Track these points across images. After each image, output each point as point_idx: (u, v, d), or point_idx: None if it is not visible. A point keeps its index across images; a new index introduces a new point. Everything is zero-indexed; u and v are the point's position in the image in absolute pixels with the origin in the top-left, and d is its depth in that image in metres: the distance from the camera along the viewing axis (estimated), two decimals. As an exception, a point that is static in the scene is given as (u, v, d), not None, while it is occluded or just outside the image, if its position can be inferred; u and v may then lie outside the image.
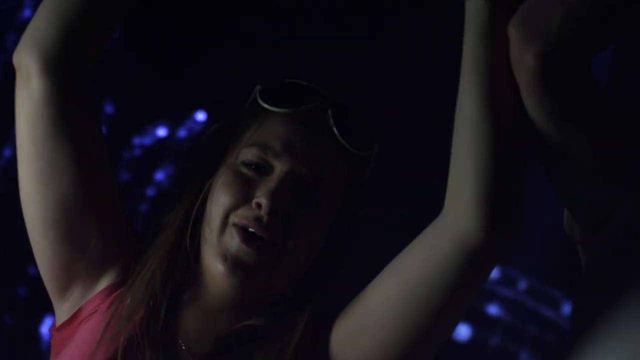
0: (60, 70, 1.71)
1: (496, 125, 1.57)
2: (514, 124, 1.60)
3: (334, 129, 1.73)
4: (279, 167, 1.71)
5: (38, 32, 1.71)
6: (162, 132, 3.81)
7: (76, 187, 1.72)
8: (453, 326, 1.68)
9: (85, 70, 1.74)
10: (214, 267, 1.69)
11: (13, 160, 3.54)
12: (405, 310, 1.62)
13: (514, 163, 1.59)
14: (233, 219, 1.69)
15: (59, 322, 1.78)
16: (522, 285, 3.74)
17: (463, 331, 3.72)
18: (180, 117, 3.81)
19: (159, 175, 3.80)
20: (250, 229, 1.68)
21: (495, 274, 3.74)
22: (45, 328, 3.61)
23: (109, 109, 3.68)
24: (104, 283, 1.75)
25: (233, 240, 1.67)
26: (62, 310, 1.77)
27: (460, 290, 1.61)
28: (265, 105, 1.75)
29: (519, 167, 1.60)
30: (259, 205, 1.68)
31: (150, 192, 3.77)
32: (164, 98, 3.78)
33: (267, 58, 3.45)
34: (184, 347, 1.70)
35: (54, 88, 1.71)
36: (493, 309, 3.74)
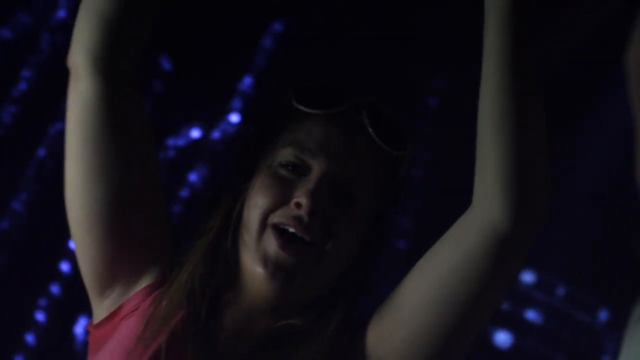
0: (107, 69, 1.71)
1: (521, 113, 1.57)
2: (538, 110, 1.59)
3: (369, 129, 1.73)
4: (316, 168, 1.70)
5: (81, 34, 1.72)
6: (195, 133, 3.81)
7: (123, 184, 1.73)
8: (485, 319, 1.68)
9: (131, 68, 1.74)
10: (254, 270, 1.69)
11: (47, 160, 3.55)
12: (438, 302, 1.62)
13: (538, 151, 1.59)
14: (272, 219, 1.69)
15: (97, 320, 1.77)
16: (560, 291, 3.71)
17: (503, 338, 3.69)
18: (214, 118, 3.80)
19: (193, 177, 3.79)
20: (291, 229, 1.68)
21: (532, 279, 3.71)
22: (79, 328, 3.61)
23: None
24: (145, 281, 1.75)
25: (271, 245, 1.67)
26: (102, 308, 1.77)
27: (491, 280, 1.61)
28: (301, 107, 1.74)
29: (544, 154, 1.59)
30: (298, 205, 1.68)
31: (184, 193, 3.77)
32: (198, 99, 3.78)
33: (303, 59, 3.44)
34: (224, 347, 1.69)
35: (101, 87, 1.71)
36: (531, 315, 3.71)
